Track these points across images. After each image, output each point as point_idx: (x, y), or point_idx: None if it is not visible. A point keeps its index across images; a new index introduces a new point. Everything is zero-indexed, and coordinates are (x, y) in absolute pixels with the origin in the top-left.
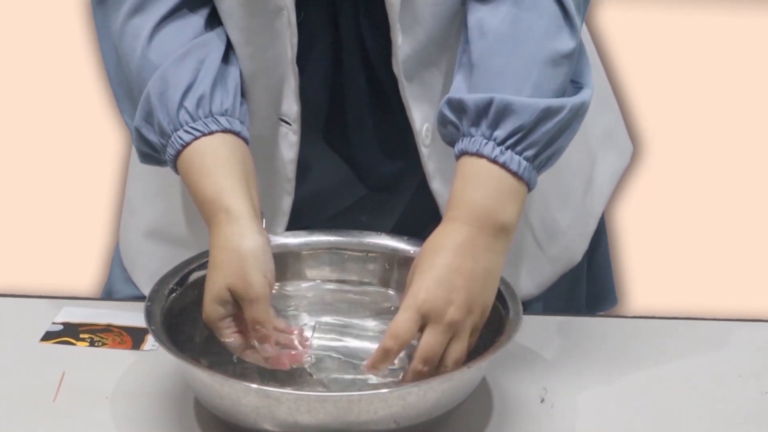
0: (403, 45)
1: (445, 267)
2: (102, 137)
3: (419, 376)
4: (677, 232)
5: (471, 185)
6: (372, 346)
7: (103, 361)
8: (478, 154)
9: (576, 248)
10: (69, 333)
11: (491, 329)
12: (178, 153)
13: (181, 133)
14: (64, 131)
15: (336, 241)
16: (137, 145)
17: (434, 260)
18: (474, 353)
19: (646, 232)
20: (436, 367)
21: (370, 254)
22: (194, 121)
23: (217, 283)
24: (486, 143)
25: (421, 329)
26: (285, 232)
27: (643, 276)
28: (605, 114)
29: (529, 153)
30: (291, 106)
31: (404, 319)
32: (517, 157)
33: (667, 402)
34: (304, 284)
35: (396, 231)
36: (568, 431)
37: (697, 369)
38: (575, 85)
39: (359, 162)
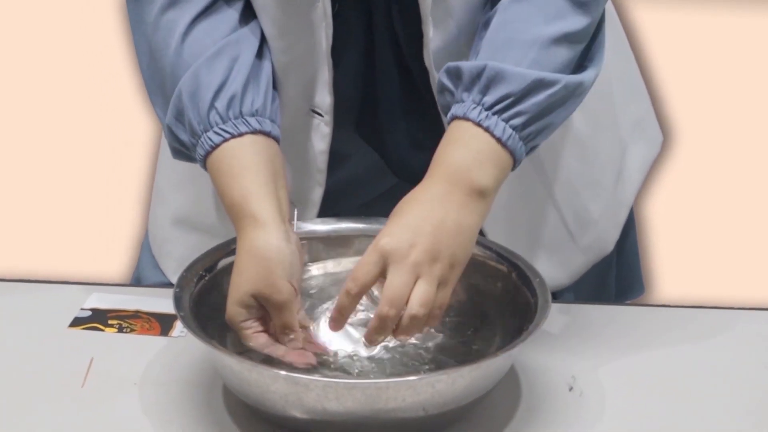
0: (435, 37)
1: (413, 215)
2: (133, 125)
3: (385, 321)
4: (705, 221)
5: (452, 146)
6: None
7: (131, 348)
8: (465, 118)
9: (607, 238)
10: (97, 319)
11: (520, 317)
12: (208, 153)
13: (210, 134)
14: (95, 119)
15: (365, 228)
16: (169, 142)
17: (405, 210)
18: (503, 341)
19: (673, 221)
20: (401, 312)
21: None
22: (224, 122)
23: (241, 288)
24: (474, 108)
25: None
26: (314, 219)
27: (671, 265)
28: (635, 103)
29: (516, 122)
30: (324, 98)
31: (365, 261)
32: (502, 124)
33: (694, 391)
34: (332, 272)
35: None
36: (597, 419)
37: (724, 358)
38: (582, 67)
39: (390, 153)
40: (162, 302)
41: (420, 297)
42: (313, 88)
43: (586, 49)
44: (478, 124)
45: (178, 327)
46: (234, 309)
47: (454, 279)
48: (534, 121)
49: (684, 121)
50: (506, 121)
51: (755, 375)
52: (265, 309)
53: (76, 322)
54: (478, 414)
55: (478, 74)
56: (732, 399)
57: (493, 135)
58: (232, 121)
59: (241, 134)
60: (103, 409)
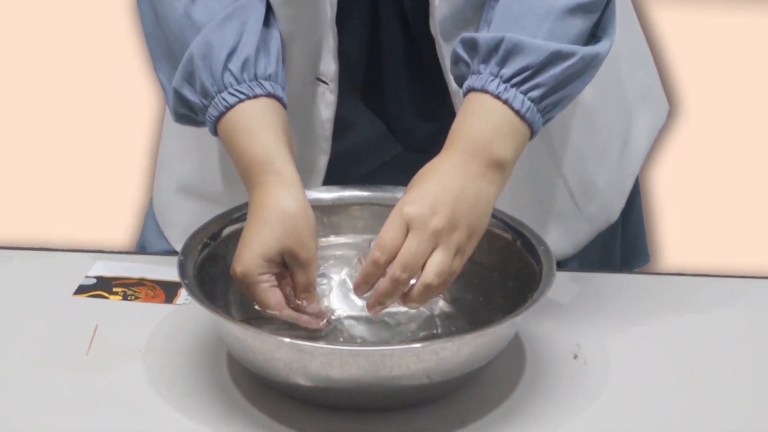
0: (441, 5)
1: (434, 183)
2: (137, 92)
3: (396, 284)
4: (711, 191)
5: (471, 118)
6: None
7: (136, 315)
8: (483, 90)
9: (613, 207)
10: (102, 287)
11: (525, 285)
12: (221, 115)
13: (225, 95)
14: (99, 86)
15: (369, 196)
16: (174, 106)
17: (425, 179)
18: (507, 309)
19: (679, 191)
20: (414, 278)
21: None
22: (239, 83)
23: (268, 243)
24: (492, 80)
25: None
26: (319, 186)
27: (676, 234)
28: (642, 73)
29: (535, 94)
30: (329, 66)
31: (389, 229)
32: (521, 96)
33: (699, 358)
34: (336, 240)
35: None
36: (601, 387)
37: (729, 326)
38: (596, 37)
39: (395, 121)
40: (166, 270)
41: (436, 266)
42: (318, 55)
43: (598, 19)
44: (497, 97)
45: (183, 294)
46: (256, 261)
47: (470, 249)
48: (552, 93)
49: (690, 90)
50: (525, 93)
51: (760, 343)
52: (282, 267)
53: (81, 290)
54: (482, 381)
55: (496, 46)
56: (738, 367)
57: (512, 107)
58: (247, 82)
59: (256, 96)
60: (108, 376)
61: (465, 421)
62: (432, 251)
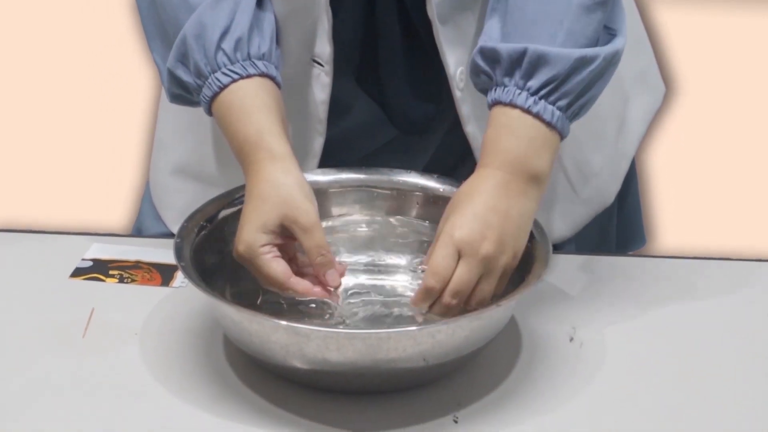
0: None
1: (480, 206)
2: (134, 74)
3: (446, 310)
4: (707, 173)
5: (504, 134)
6: (401, 281)
7: (132, 298)
8: (512, 104)
9: (608, 189)
10: (98, 269)
11: (521, 267)
12: (215, 95)
13: (218, 75)
14: (95, 69)
15: (365, 179)
16: (168, 86)
17: (469, 201)
18: (503, 291)
19: (675, 173)
20: (463, 303)
21: (399, 192)
22: (232, 63)
23: (265, 214)
24: (519, 93)
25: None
26: (315, 169)
27: (672, 216)
28: (638, 55)
29: (563, 103)
30: (324, 48)
31: (442, 255)
32: (550, 107)
33: (695, 341)
34: (333, 222)
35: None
36: (597, 370)
37: (724, 309)
38: (608, 31)
39: (391, 104)
40: (163, 252)
41: (481, 296)
42: (313, 37)
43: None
44: (527, 111)
45: (179, 277)
46: (255, 235)
47: (512, 268)
48: (579, 98)
49: (686, 72)
50: (553, 104)
51: (755, 326)
52: (286, 238)
53: (77, 273)
54: (478, 364)
55: (518, 58)
56: (734, 350)
57: (542, 120)
58: (240, 62)
59: (249, 75)
60: (104, 359)
61: (461, 404)
62: (481, 276)
